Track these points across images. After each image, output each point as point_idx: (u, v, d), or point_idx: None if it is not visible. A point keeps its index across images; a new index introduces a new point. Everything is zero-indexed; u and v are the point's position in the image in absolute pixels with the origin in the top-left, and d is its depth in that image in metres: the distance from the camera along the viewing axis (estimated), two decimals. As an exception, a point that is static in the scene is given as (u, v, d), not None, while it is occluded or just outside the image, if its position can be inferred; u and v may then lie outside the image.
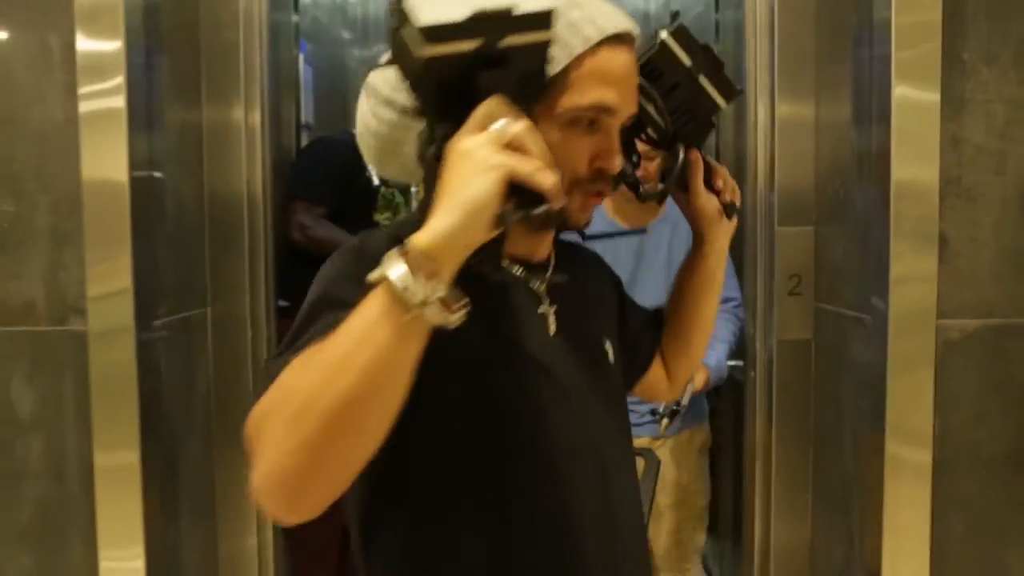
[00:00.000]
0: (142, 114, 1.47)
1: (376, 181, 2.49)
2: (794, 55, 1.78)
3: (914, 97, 1.39)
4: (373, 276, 0.68)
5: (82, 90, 1.40)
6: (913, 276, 1.41)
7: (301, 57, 3.01)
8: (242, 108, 1.77)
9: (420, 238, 0.67)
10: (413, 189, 2.61)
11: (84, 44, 1.40)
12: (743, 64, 1.86)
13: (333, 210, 2.42)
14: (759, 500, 1.82)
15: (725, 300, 2.00)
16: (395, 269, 0.67)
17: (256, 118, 1.79)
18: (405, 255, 0.67)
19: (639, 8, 4.08)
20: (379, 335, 0.67)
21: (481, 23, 0.69)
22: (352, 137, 2.77)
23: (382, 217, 2.55)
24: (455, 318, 0.69)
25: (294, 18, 3.00)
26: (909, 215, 1.41)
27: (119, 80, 1.41)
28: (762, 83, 1.80)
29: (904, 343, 1.42)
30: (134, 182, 1.42)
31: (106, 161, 1.41)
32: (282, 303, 1.97)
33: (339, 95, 3.86)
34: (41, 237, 1.43)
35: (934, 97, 1.39)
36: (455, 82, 0.71)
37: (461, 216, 0.67)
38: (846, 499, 1.58)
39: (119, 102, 1.41)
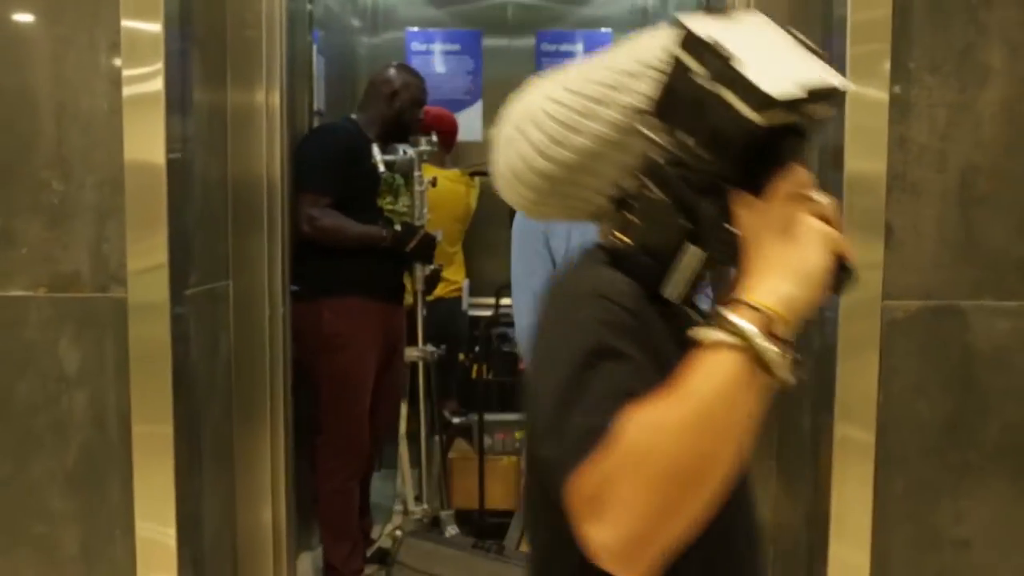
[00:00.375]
0: (177, 99, 1.64)
1: (381, 168, 2.60)
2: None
3: (865, 96, 1.56)
4: (716, 336, 0.68)
5: (126, 73, 1.57)
6: (862, 262, 1.58)
7: (314, 46, 3.16)
8: (263, 92, 1.93)
9: (767, 301, 0.69)
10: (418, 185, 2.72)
11: (128, 28, 1.57)
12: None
13: (338, 199, 2.49)
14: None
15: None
16: (753, 333, 0.67)
17: (276, 102, 1.94)
18: (758, 318, 0.68)
19: (636, 4, 4.23)
20: (746, 396, 0.68)
21: (817, 96, 0.69)
22: (353, 123, 2.85)
23: (384, 202, 2.64)
24: (793, 380, 0.70)
25: (308, 7, 3.13)
26: (859, 206, 1.58)
27: (158, 65, 1.58)
28: None
29: (853, 322, 1.60)
30: (170, 163, 1.60)
31: (146, 144, 1.59)
32: (292, 288, 2.13)
33: (348, 82, 4.02)
34: (87, 213, 1.62)
35: (883, 97, 1.56)
36: (759, 145, 0.70)
37: (809, 286, 0.70)
38: (802, 462, 1.76)
39: (158, 85, 1.58)
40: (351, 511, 2.56)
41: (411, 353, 2.71)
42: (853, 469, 1.63)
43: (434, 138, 2.85)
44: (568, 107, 0.82)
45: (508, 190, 0.88)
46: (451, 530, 2.67)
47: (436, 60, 4.04)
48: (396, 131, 2.68)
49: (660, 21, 4.01)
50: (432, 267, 2.74)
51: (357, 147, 2.56)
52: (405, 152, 2.67)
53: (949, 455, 1.63)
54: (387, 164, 2.62)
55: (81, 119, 1.60)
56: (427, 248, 2.65)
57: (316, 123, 3.11)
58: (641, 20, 4.13)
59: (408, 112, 2.69)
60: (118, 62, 1.58)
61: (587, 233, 1.62)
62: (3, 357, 1.63)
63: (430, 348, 2.74)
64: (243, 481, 1.98)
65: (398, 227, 2.59)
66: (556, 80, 0.86)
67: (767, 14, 1.87)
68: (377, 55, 4.16)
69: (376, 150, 2.59)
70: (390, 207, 2.66)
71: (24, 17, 1.61)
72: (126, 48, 1.58)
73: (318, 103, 3.26)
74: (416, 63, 4.07)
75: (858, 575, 1.63)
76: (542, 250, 1.70)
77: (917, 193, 1.59)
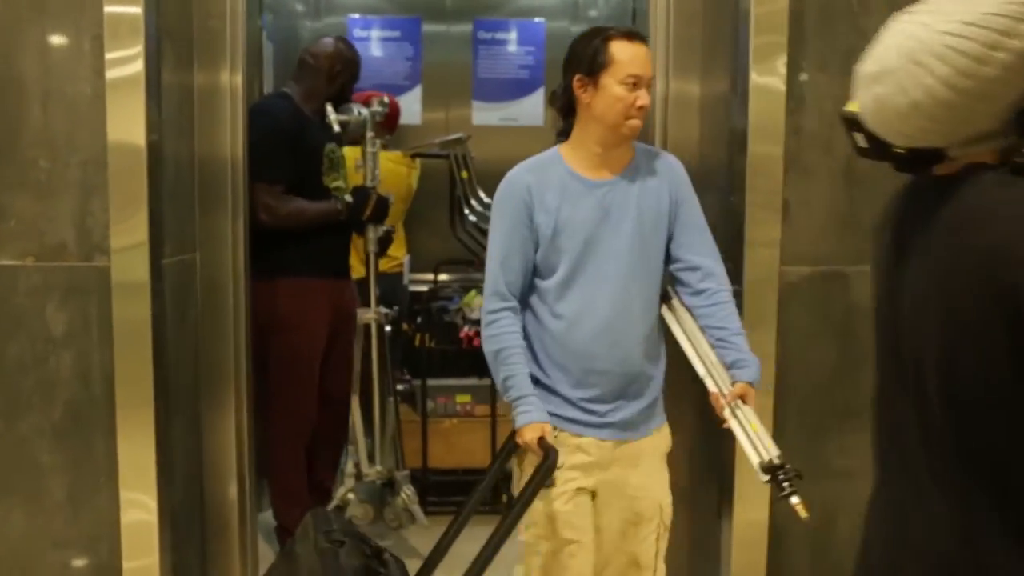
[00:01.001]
0: (154, 82, 1.79)
1: (336, 128, 2.62)
2: (685, 39, 2.12)
3: (766, 90, 1.81)
4: None
5: (108, 57, 1.72)
6: (763, 235, 1.85)
7: (263, 31, 3.30)
8: (227, 75, 2.07)
9: None
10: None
11: (111, 14, 1.72)
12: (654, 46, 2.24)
13: (289, 183, 2.51)
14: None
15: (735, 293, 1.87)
16: None
17: (239, 84, 2.08)
18: None
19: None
20: None
21: None
22: (288, 99, 2.86)
23: (328, 179, 2.66)
24: None
25: None
26: (760, 186, 1.83)
27: (138, 49, 1.73)
28: (661, 65, 2.17)
29: (756, 284, 1.86)
30: (149, 143, 1.76)
31: (127, 126, 1.74)
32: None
33: (293, 65, 4.14)
34: (72, 189, 1.77)
35: (781, 90, 1.81)
36: None
37: None
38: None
39: (138, 67, 1.73)
40: (300, 476, 2.70)
41: (365, 315, 2.81)
42: (758, 404, 1.88)
43: (386, 99, 2.89)
44: (974, 40, 0.85)
45: (900, 122, 0.92)
46: (407, 490, 2.83)
47: (376, 46, 4.19)
48: (334, 105, 2.68)
49: (589, 13, 4.23)
50: (384, 228, 2.80)
51: (298, 127, 2.59)
52: (360, 113, 2.71)
53: (835, 395, 1.91)
54: (341, 124, 2.63)
55: (66, 102, 1.75)
56: (382, 210, 2.73)
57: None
58: (572, 11, 4.35)
59: (348, 88, 2.72)
60: (101, 49, 1.73)
61: (578, 205, 1.69)
62: (-5, 321, 1.78)
63: (383, 310, 2.85)
64: (209, 436, 2.16)
65: (348, 198, 2.65)
66: (940, 15, 0.89)
67: (682, 6, 2.10)
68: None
69: (330, 110, 2.63)
70: (335, 184, 2.69)
71: (12, 8, 1.74)
72: (108, 35, 1.73)
73: (267, 87, 3.41)
74: (357, 48, 4.23)
75: (760, 493, 1.89)
76: (525, 222, 1.68)
77: (809, 174, 1.85)
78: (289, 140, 2.53)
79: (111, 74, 1.74)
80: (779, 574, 1.94)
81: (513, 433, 1.67)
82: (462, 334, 3.21)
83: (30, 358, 1.79)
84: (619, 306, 1.68)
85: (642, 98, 1.62)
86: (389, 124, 3.36)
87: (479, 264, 3.03)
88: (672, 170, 1.74)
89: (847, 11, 1.82)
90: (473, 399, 3.11)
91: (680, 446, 2.09)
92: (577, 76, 1.64)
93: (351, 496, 2.84)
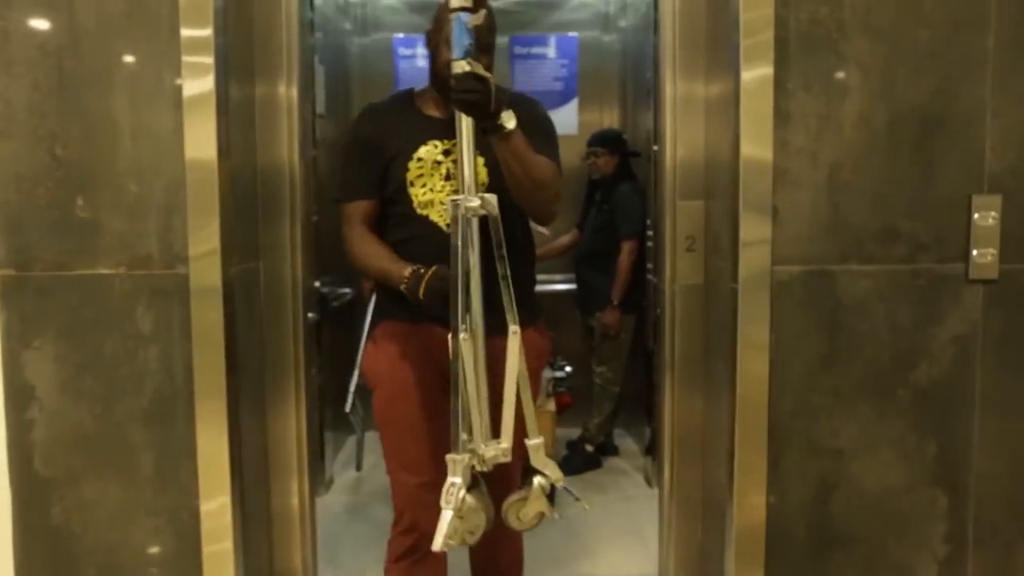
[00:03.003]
0: (223, 101, 2.04)
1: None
2: (690, 41, 2.35)
3: (755, 110, 2.03)
4: None
5: (185, 81, 2.01)
6: (757, 237, 2.07)
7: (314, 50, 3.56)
8: (284, 89, 2.32)
9: None
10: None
11: (187, 61, 2.01)
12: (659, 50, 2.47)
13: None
14: (668, 390, 2.49)
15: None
16: None
17: (295, 98, 2.34)
18: None
19: (600, 10, 4.66)
20: None
21: None
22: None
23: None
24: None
25: (309, 14, 3.47)
26: (752, 195, 2.06)
27: (210, 70, 2.00)
28: (669, 67, 2.40)
29: (750, 283, 2.08)
30: (220, 161, 2.03)
31: (200, 146, 2.02)
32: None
33: (342, 82, 4.43)
34: (156, 208, 2.06)
35: (768, 110, 2.03)
36: None
37: None
38: (719, 387, 2.25)
39: (210, 85, 2.00)
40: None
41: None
42: (752, 394, 2.10)
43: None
44: None
45: None
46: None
47: (420, 63, 4.47)
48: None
49: (619, 23, 4.50)
50: None
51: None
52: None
53: (825, 384, 2.12)
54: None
55: (152, 136, 2.05)
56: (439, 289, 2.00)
57: (317, 125, 3.49)
58: (604, 23, 4.58)
59: None
60: (179, 79, 2.01)
61: None
62: (94, 321, 2.08)
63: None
64: (272, 424, 2.45)
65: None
66: None
67: (685, 24, 2.33)
68: (367, 57, 4.58)
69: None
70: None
71: (105, 55, 2.05)
72: (184, 57, 2.00)
73: (319, 105, 3.69)
74: (402, 66, 4.51)
75: (758, 474, 2.11)
76: None
77: (796, 183, 2.07)
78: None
79: (187, 93, 2.01)
80: (778, 545, 2.15)
81: None
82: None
83: (123, 353, 2.10)
84: None
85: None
86: None
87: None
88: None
89: (827, 37, 2.03)
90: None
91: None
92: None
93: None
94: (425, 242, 2.14)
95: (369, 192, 2.20)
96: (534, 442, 2.03)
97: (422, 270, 2.02)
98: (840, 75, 2.04)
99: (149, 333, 2.09)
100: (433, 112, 2.21)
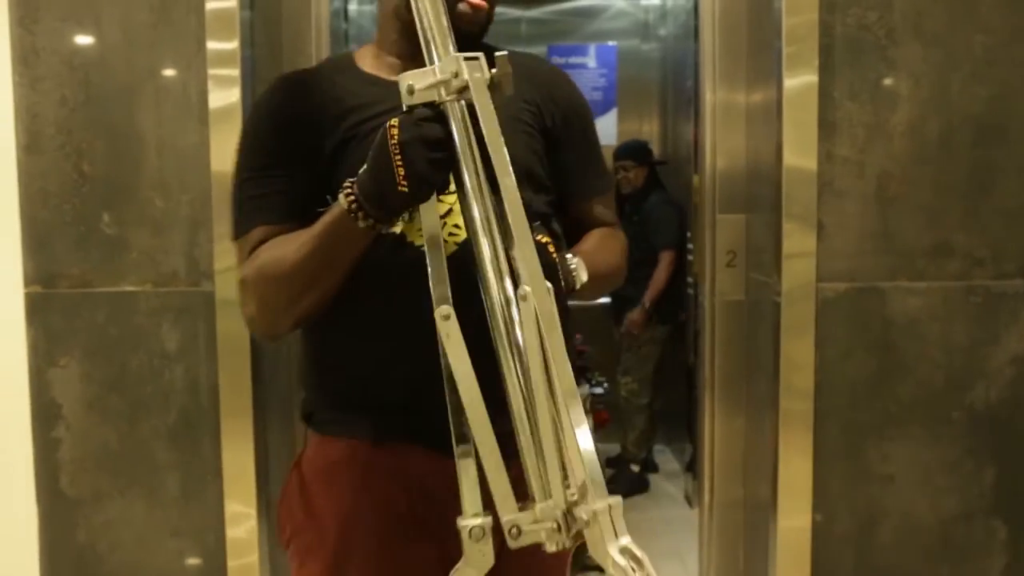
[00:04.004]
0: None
1: None
2: (731, 49, 2.28)
3: (799, 120, 1.94)
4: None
5: (211, 92, 1.97)
6: (800, 251, 1.98)
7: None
8: None
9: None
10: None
11: (213, 46, 1.97)
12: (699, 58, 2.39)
13: None
14: (708, 407, 2.40)
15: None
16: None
17: None
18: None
19: (639, 18, 4.59)
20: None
21: None
22: None
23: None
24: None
25: (343, 25, 3.45)
26: (796, 208, 1.96)
27: (236, 82, 1.97)
28: (709, 75, 2.33)
29: (794, 300, 1.99)
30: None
31: (226, 156, 1.96)
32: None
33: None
34: (182, 224, 2.03)
35: (813, 120, 1.94)
36: None
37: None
38: (762, 406, 2.15)
39: (236, 96, 1.97)
40: None
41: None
42: (797, 418, 2.01)
43: None
44: None
45: None
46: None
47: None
48: None
49: (658, 32, 4.44)
50: None
51: None
52: None
53: (874, 407, 2.01)
54: None
55: (177, 150, 2.02)
56: None
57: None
58: (643, 32, 4.51)
59: None
60: (205, 95, 1.98)
61: None
62: (119, 339, 2.06)
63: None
64: (300, 444, 2.41)
65: None
66: None
67: (726, 31, 2.25)
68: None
69: None
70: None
71: (131, 69, 2.02)
72: (211, 69, 1.97)
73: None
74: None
75: (803, 502, 2.01)
76: None
77: (842, 196, 1.97)
78: None
79: (213, 105, 1.99)
80: (824, 574, 2.05)
81: None
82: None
83: (148, 370, 2.07)
84: None
85: None
86: None
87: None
88: None
89: (875, 43, 1.93)
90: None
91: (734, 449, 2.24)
92: None
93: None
94: (402, 273, 1.17)
95: (282, 212, 1.23)
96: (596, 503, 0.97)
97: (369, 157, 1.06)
98: (889, 82, 1.95)
99: (175, 351, 2.06)
100: (390, 75, 1.25)
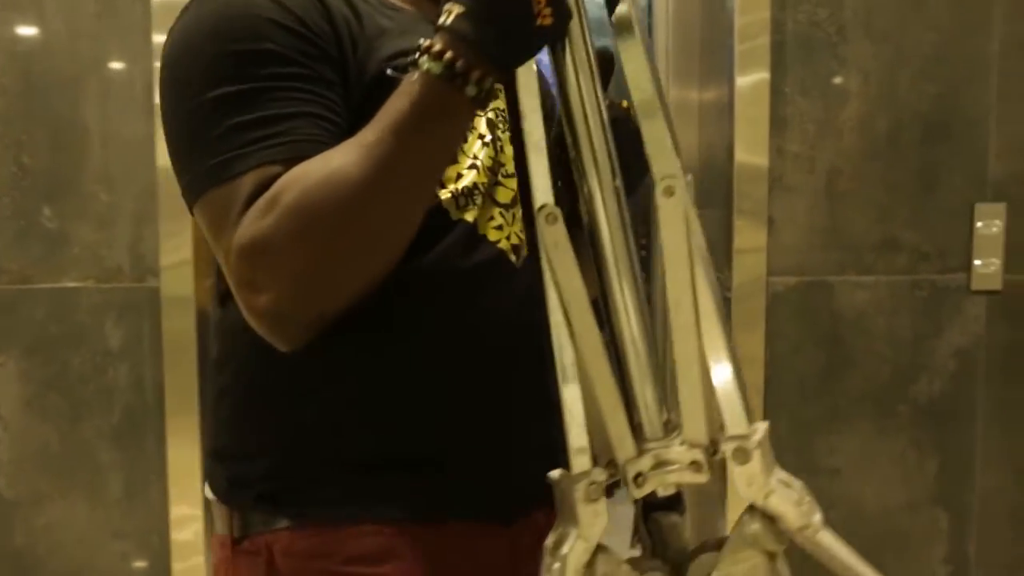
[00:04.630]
0: None
1: None
2: (684, 47, 2.30)
3: (750, 116, 1.96)
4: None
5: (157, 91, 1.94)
6: (751, 246, 2.00)
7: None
8: None
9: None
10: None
11: (159, 39, 1.92)
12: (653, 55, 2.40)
13: None
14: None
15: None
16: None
17: None
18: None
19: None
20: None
21: None
22: None
23: None
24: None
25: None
26: (747, 203, 1.98)
27: None
28: (663, 73, 2.34)
29: (744, 294, 2.00)
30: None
31: None
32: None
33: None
34: (127, 218, 1.98)
35: (764, 116, 1.96)
36: None
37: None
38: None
39: None
40: None
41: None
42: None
43: None
44: None
45: None
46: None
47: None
48: None
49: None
50: None
51: None
52: None
53: (822, 400, 2.04)
54: None
55: (122, 143, 1.97)
56: None
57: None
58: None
59: None
60: (151, 89, 1.94)
61: None
62: (61, 337, 1.99)
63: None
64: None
65: None
66: None
67: (679, 29, 2.27)
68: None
69: None
70: None
71: (75, 60, 1.96)
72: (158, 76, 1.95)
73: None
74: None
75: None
76: None
77: (792, 191, 1.99)
78: None
79: (158, 99, 1.93)
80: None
81: None
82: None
83: (91, 369, 2.01)
84: None
85: None
86: None
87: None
88: None
89: (826, 40, 1.96)
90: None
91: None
92: None
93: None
94: (476, 279, 0.87)
95: (303, 144, 0.79)
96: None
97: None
98: (839, 79, 1.97)
99: (118, 349, 2.01)
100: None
